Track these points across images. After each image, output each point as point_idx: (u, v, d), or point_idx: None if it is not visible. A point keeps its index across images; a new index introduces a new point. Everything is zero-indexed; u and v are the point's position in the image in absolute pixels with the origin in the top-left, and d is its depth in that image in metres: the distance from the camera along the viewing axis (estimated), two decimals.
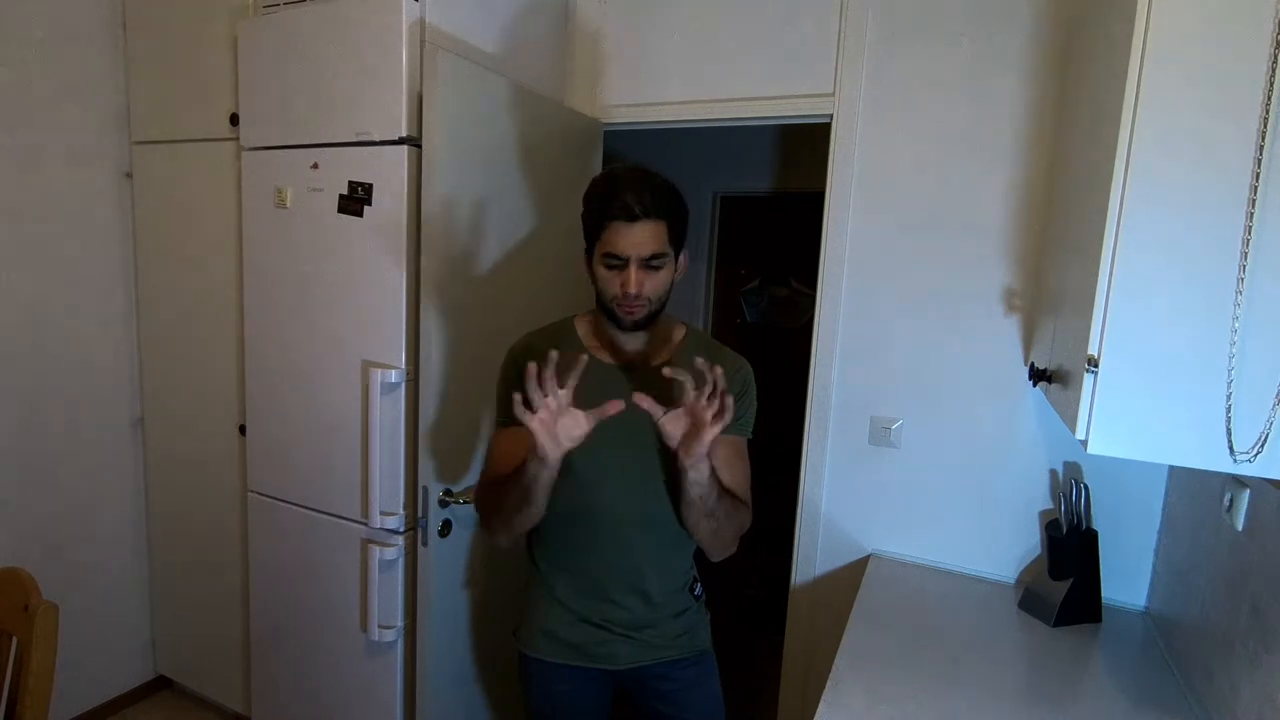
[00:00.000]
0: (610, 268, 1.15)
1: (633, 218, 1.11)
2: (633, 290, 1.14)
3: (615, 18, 2.02)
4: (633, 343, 1.24)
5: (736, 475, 1.25)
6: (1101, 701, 1.26)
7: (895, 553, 1.83)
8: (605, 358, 1.25)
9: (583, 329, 1.29)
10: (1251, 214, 0.86)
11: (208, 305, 2.01)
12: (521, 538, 1.31)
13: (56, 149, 1.96)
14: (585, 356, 1.09)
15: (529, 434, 1.07)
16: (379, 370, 1.60)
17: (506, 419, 1.26)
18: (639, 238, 1.12)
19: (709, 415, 1.04)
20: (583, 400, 1.14)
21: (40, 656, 1.12)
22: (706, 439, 1.05)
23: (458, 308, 1.57)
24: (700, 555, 1.31)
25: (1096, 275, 0.96)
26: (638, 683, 1.33)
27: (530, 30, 1.91)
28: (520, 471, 1.14)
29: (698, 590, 1.35)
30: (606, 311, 1.20)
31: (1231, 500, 1.18)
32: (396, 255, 1.58)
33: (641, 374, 1.24)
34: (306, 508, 1.80)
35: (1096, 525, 1.56)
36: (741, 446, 1.28)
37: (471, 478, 1.67)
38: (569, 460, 1.18)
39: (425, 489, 1.56)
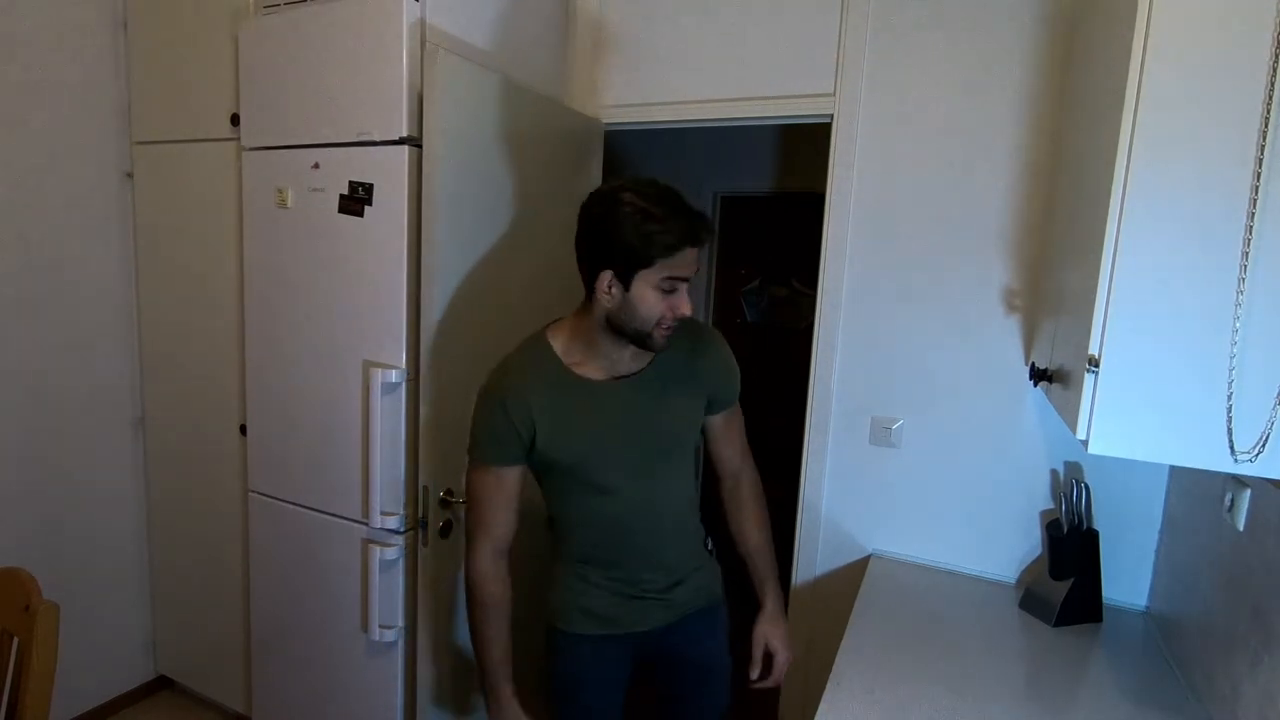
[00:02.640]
0: (667, 291, 1.14)
1: (702, 242, 1.13)
2: (689, 311, 1.17)
3: (615, 18, 2.02)
4: (632, 355, 1.25)
5: (737, 432, 1.43)
6: (1102, 702, 1.26)
7: (896, 553, 1.83)
8: (592, 374, 1.24)
9: (559, 344, 1.25)
10: (1252, 213, 0.86)
11: (208, 305, 2.01)
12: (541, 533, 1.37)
13: (57, 148, 1.96)
14: None
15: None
16: (379, 370, 1.60)
17: (488, 458, 1.25)
18: (697, 260, 1.16)
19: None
20: (573, 416, 1.21)
21: (41, 657, 1.12)
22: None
23: (458, 308, 1.57)
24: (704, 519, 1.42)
25: (1097, 275, 0.96)
26: (657, 640, 1.36)
27: (531, 30, 1.91)
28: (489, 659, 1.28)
29: (710, 545, 1.42)
30: (638, 335, 1.17)
31: (1232, 500, 1.18)
32: (397, 255, 1.58)
33: (631, 381, 1.26)
34: (307, 508, 1.80)
35: (1097, 525, 1.56)
36: (736, 407, 1.42)
37: None
38: (585, 473, 1.25)
39: (426, 489, 1.56)
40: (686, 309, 1.16)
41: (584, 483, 1.26)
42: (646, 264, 1.12)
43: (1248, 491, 1.15)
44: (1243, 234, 0.87)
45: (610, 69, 2.04)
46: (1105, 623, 1.53)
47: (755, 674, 1.38)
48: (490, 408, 1.23)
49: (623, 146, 3.16)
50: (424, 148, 1.47)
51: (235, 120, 1.84)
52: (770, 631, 1.38)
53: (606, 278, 1.14)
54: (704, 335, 1.35)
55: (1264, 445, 0.87)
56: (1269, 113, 0.85)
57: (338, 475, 1.73)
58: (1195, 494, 1.40)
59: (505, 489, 1.25)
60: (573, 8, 2.05)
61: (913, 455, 1.79)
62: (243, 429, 1.94)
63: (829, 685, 1.26)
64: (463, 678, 1.74)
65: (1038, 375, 1.35)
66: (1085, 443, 0.98)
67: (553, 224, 1.83)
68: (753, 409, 1.56)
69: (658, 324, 1.16)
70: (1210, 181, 0.88)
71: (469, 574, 1.28)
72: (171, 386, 2.14)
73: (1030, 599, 1.59)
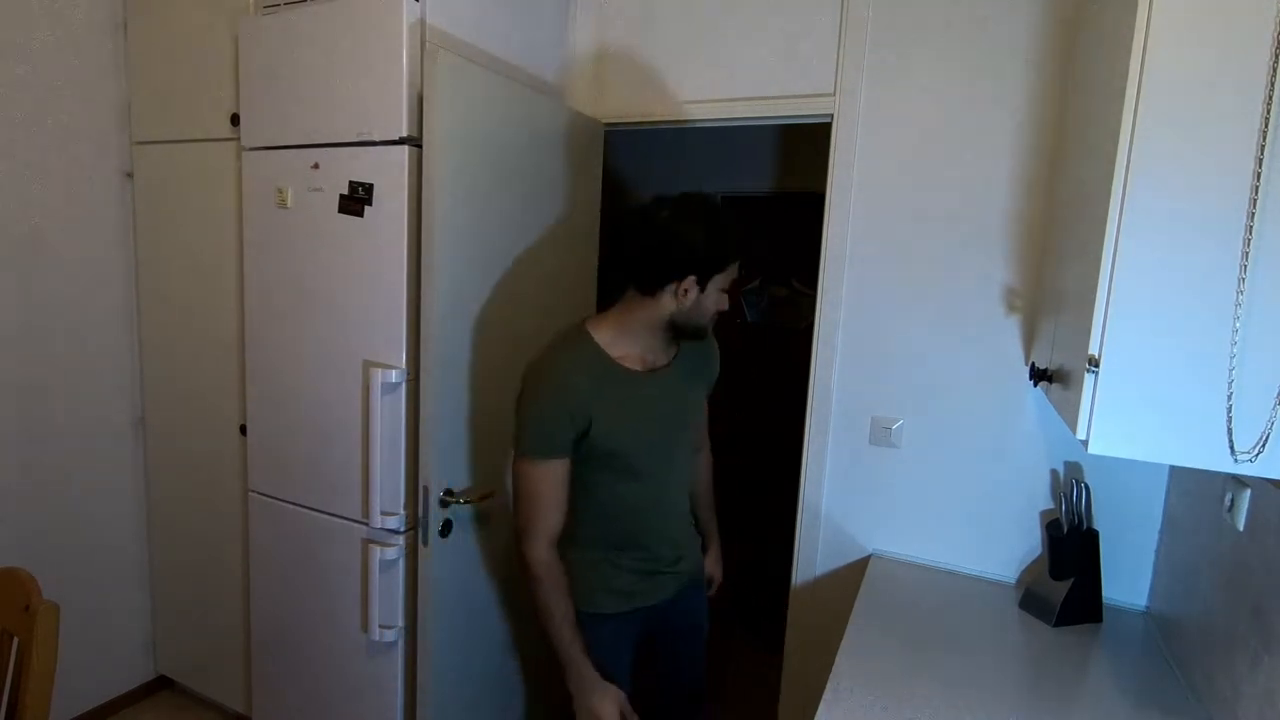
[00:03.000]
0: (724, 290, 1.31)
1: None
2: (728, 307, 1.34)
3: (616, 18, 2.02)
4: (664, 348, 1.39)
5: (704, 413, 1.62)
6: (1102, 702, 1.26)
7: (896, 553, 1.83)
8: (632, 365, 1.34)
9: (604, 338, 1.33)
10: (1253, 213, 0.86)
11: (208, 305, 2.01)
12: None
13: (57, 149, 1.96)
14: None
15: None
16: (379, 370, 1.60)
17: (540, 451, 1.28)
18: None
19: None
20: (622, 407, 1.30)
21: (41, 657, 1.12)
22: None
23: (458, 308, 1.57)
24: None
25: (1097, 275, 0.96)
26: (662, 612, 1.46)
27: (531, 30, 1.91)
28: (564, 628, 1.31)
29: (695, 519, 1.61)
30: (698, 330, 1.35)
31: (1232, 500, 1.18)
32: (397, 255, 1.58)
33: (663, 373, 1.39)
34: (307, 508, 1.80)
35: (1097, 525, 1.56)
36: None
37: (473, 478, 1.67)
38: (626, 460, 1.33)
39: (426, 489, 1.56)
40: (726, 303, 1.33)
41: (621, 470, 1.33)
42: (721, 268, 1.27)
43: (1248, 491, 1.15)
44: (1243, 234, 0.87)
45: (610, 69, 2.04)
46: (1105, 623, 1.53)
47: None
48: (543, 400, 1.27)
49: (623, 146, 3.16)
50: (424, 148, 1.47)
51: (235, 120, 1.84)
52: (713, 566, 1.71)
53: (689, 282, 1.26)
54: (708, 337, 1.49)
55: (1264, 445, 0.87)
56: (1269, 113, 0.85)
57: (338, 475, 1.73)
58: (1195, 494, 1.40)
59: (557, 480, 1.30)
60: (573, 7, 2.05)
61: (913, 455, 1.79)
62: (243, 429, 1.94)
63: (829, 685, 1.26)
64: (463, 678, 1.74)
65: (1038, 375, 1.35)
66: (1085, 443, 0.98)
67: (553, 223, 1.83)
68: (753, 409, 1.59)
69: (711, 320, 1.34)
70: (1210, 181, 0.88)
71: (531, 564, 1.31)
72: (171, 386, 2.14)
73: (1030, 599, 1.59)
